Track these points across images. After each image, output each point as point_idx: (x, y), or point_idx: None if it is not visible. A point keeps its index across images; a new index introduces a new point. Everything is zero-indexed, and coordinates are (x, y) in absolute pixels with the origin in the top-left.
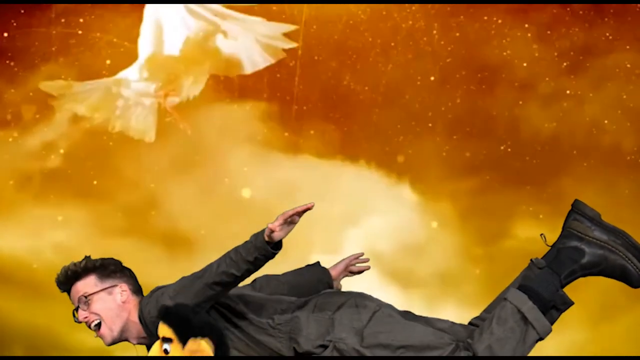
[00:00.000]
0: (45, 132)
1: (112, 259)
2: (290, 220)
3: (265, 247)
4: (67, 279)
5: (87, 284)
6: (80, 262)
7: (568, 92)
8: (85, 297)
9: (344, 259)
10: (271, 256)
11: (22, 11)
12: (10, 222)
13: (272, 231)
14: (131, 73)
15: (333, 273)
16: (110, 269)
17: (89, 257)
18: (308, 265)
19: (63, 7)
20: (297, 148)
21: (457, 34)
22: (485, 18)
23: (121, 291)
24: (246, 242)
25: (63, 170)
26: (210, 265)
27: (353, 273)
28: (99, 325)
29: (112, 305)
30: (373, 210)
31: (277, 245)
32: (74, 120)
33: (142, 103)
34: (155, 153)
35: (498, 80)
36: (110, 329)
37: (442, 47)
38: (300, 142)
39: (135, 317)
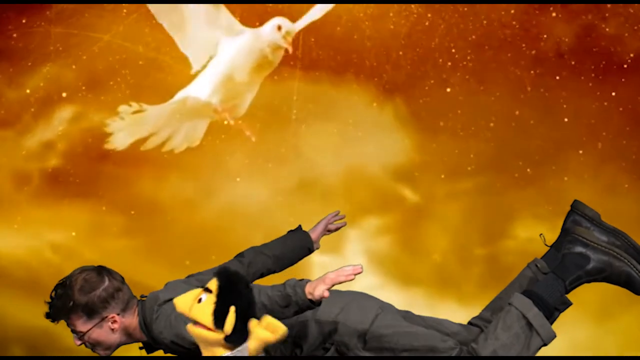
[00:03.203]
0: (45, 132)
1: (90, 282)
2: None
3: (309, 304)
4: (55, 319)
5: (76, 323)
6: (62, 300)
7: (566, 96)
8: (78, 336)
9: (322, 220)
10: (311, 309)
11: (22, 11)
12: (10, 222)
13: (323, 297)
14: (192, 91)
15: (313, 236)
16: (94, 304)
17: (70, 281)
18: (290, 231)
19: (63, 7)
20: (297, 151)
21: (460, 35)
22: (485, 22)
23: (112, 322)
24: (282, 293)
25: (62, 170)
26: None
27: (331, 231)
28: (94, 348)
29: (105, 336)
30: (373, 210)
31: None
32: (74, 120)
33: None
34: (156, 152)
35: (500, 81)
36: (105, 353)
37: (445, 48)
38: (299, 144)
39: (132, 329)
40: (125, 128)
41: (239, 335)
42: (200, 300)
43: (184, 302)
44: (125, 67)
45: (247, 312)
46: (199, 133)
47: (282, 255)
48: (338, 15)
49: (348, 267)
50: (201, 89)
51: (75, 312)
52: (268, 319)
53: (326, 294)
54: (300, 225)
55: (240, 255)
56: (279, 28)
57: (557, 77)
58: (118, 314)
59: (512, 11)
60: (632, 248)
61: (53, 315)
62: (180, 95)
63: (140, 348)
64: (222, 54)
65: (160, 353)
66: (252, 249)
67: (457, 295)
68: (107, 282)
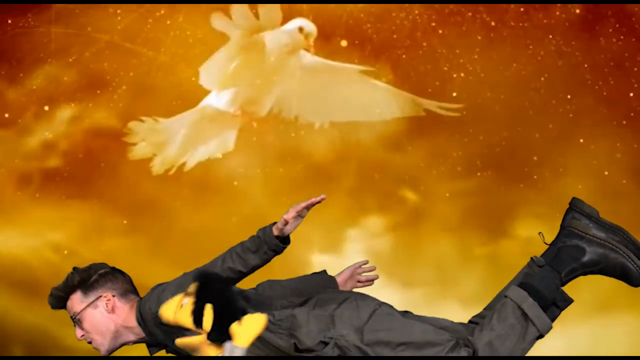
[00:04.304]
0: (45, 132)
1: (95, 265)
2: (301, 214)
3: (275, 241)
4: (58, 302)
5: (74, 303)
6: (64, 281)
7: (569, 97)
8: (75, 317)
9: (348, 267)
10: (280, 251)
11: (22, 11)
12: (10, 222)
13: (286, 223)
14: (212, 100)
15: (339, 280)
16: (91, 280)
17: (75, 268)
18: (314, 273)
19: (63, 7)
20: (298, 155)
21: (460, 33)
22: (493, 24)
23: (106, 301)
24: (253, 237)
25: (63, 170)
26: (214, 261)
27: (361, 283)
28: (93, 339)
29: (100, 318)
30: (373, 209)
31: (285, 240)
32: (74, 121)
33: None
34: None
35: (505, 83)
36: (102, 343)
37: (445, 46)
38: (299, 146)
39: (129, 322)
40: (144, 139)
41: (220, 332)
42: (182, 305)
43: (168, 310)
44: (125, 67)
45: (225, 308)
46: (230, 140)
47: (301, 290)
48: (339, 15)
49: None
50: (221, 94)
51: (73, 288)
52: (245, 319)
53: (288, 217)
54: (325, 270)
55: (256, 286)
56: (300, 30)
57: (563, 78)
58: (113, 296)
59: (522, 9)
60: (631, 244)
61: (54, 294)
62: (202, 104)
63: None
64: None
65: (162, 353)
66: (268, 280)
67: (457, 295)
68: (109, 269)
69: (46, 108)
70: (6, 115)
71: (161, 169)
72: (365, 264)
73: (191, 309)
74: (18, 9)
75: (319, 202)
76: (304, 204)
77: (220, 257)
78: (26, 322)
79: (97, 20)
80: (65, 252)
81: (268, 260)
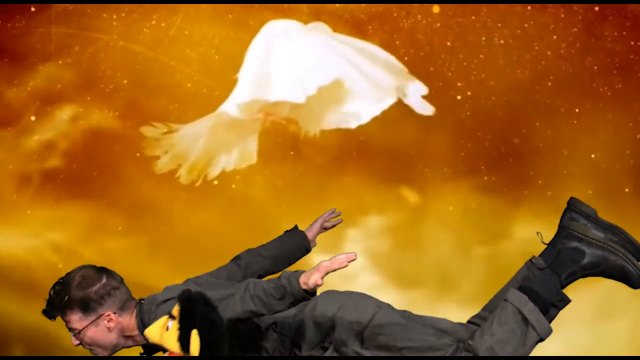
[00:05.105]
0: (45, 132)
1: (87, 277)
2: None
3: (303, 294)
4: (52, 314)
5: (72, 319)
6: (60, 296)
7: (575, 100)
8: (74, 332)
9: (318, 218)
10: (306, 300)
11: (22, 11)
12: (9, 222)
13: (317, 286)
14: (229, 106)
15: (309, 235)
16: (89, 299)
17: (68, 283)
18: (286, 232)
19: (63, 7)
20: (298, 154)
21: (463, 35)
22: (497, 26)
23: (108, 319)
24: (276, 284)
25: (62, 170)
26: (230, 298)
27: (327, 229)
28: (92, 349)
29: (103, 335)
30: (373, 209)
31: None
32: (74, 120)
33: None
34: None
35: (507, 84)
36: (101, 353)
37: (445, 46)
38: (299, 147)
39: (131, 331)
40: (167, 151)
41: (212, 354)
42: (167, 328)
43: (154, 332)
44: (125, 67)
45: (212, 332)
46: (252, 148)
47: (279, 256)
48: (339, 15)
49: (341, 255)
50: (239, 101)
51: (71, 308)
52: None
53: (320, 282)
54: (296, 225)
55: (236, 258)
56: None
57: (569, 82)
58: (114, 313)
59: (529, 7)
60: (629, 244)
61: (49, 310)
62: (219, 110)
63: (142, 354)
64: (253, 59)
65: (158, 354)
66: (248, 251)
67: (457, 295)
68: (104, 280)
69: (45, 109)
70: (6, 116)
71: (188, 179)
72: (332, 211)
73: (177, 334)
74: (18, 9)
75: (352, 260)
76: (336, 266)
77: (237, 296)
78: (26, 322)
79: (96, 21)
80: (60, 265)
81: (293, 306)
